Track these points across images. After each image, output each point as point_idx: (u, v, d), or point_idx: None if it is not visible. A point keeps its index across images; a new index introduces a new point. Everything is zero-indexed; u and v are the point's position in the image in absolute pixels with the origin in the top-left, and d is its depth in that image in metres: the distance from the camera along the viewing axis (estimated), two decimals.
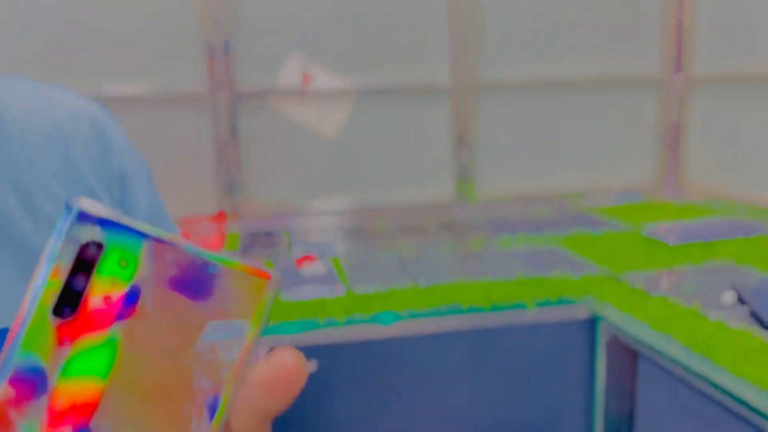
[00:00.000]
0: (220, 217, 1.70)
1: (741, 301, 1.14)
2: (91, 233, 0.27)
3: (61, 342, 0.27)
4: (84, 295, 0.27)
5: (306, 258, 1.48)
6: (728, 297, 1.17)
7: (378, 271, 1.38)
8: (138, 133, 1.87)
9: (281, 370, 0.30)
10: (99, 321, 0.27)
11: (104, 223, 0.28)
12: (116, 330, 0.27)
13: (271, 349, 0.30)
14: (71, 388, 0.27)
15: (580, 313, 1.22)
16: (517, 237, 1.60)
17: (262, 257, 1.53)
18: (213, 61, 1.67)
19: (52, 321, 0.27)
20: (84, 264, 0.27)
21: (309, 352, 1.15)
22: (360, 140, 1.80)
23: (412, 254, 1.49)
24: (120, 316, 0.27)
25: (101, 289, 0.27)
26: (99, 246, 0.27)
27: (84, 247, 0.27)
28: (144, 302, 0.27)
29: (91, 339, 0.27)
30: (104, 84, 1.64)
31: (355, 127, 1.78)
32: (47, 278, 0.27)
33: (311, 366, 1.16)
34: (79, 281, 0.27)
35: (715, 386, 0.91)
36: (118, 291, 0.27)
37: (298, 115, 1.74)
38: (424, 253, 1.51)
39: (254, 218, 1.74)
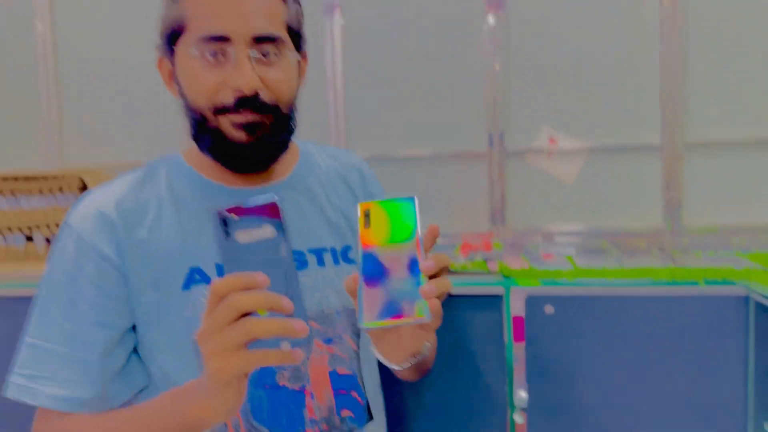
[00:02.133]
0: (489, 234, 2.55)
1: None
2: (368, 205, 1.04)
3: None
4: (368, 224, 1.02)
5: (548, 255, 2.24)
6: None
7: (599, 263, 2.08)
8: (432, 181, 2.94)
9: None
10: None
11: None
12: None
13: None
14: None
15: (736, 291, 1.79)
16: (707, 251, 2.18)
17: (519, 253, 2.33)
18: (493, 122, 2.55)
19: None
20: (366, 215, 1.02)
21: (547, 300, 1.90)
22: (589, 185, 2.53)
23: (625, 257, 2.16)
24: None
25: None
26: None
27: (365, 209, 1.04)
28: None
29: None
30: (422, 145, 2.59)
31: (586, 174, 2.53)
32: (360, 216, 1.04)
33: (549, 309, 1.91)
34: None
35: None
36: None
37: (546, 167, 2.55)
38: (635, 257, 2.17)
39: (513, 235, 2.55)
